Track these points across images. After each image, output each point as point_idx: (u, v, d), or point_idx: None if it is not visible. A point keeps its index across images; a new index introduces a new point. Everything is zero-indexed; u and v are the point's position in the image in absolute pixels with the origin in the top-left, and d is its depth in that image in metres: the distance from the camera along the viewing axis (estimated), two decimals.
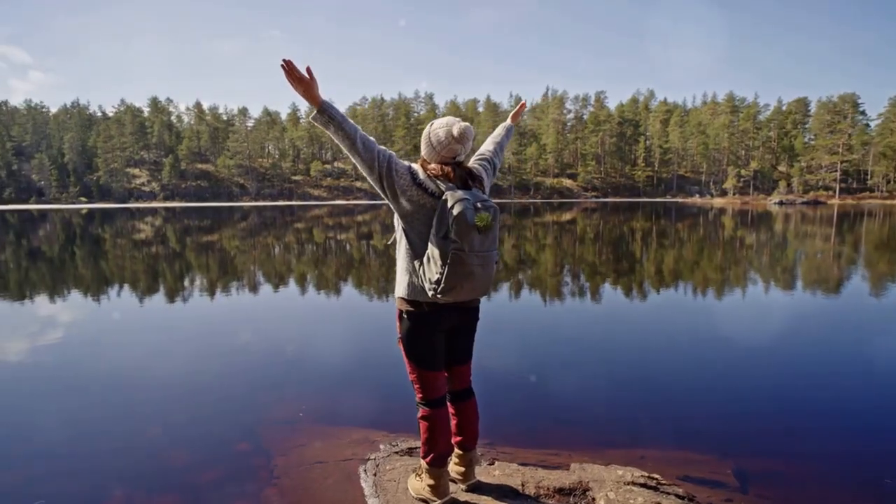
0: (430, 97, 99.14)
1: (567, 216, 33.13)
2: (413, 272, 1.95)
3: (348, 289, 8.26)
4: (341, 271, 10.22)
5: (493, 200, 1.94)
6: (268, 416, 3.27)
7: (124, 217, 38.68)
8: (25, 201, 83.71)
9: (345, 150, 1.90)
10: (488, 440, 2.82)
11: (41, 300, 7.71)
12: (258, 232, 22.09)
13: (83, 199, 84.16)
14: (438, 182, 1.90)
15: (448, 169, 1.92)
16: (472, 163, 2.21)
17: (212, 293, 8.07)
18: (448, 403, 2.17)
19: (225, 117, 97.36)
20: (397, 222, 2.03)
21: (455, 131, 1.92)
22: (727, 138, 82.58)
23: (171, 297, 7.80)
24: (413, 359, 2.04)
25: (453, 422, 2.20)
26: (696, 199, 73.01)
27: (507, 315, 6.27)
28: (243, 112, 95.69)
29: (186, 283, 9.28)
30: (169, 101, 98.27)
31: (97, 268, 11.63)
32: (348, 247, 15.60)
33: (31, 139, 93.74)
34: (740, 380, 3.97)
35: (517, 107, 2.61)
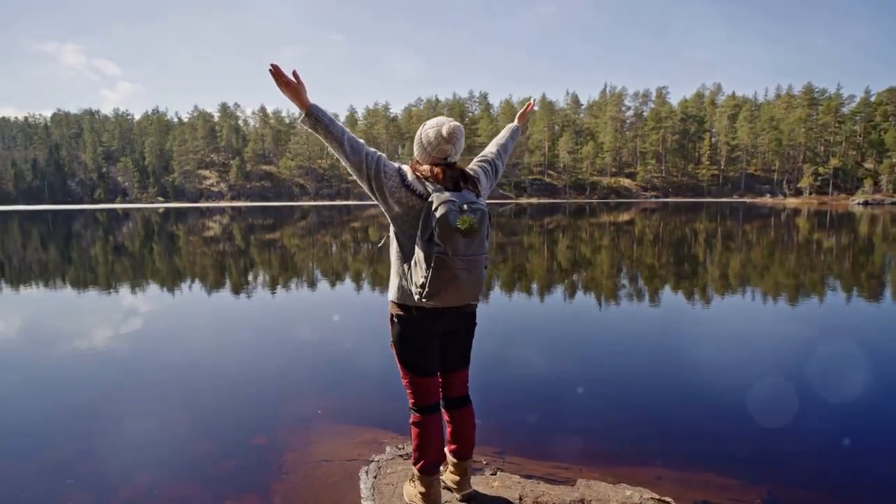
0: (484, 97, 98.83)
1: (624, 216, 32.03)
2: (403, 275, 1.93)
3: None
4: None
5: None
6: (288, 412, 3.39)
7: (195, 215, 41.35)
8: (112, 201, 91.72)
9: (334, 153, 1.88)
10: (498, 448, 2.79)
11: (114, 292, 8.40)
12: (316, 230, 22.94)
13: (160, 198, 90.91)
14: (427, 184, 1.86)
15: (437, 170, 1.88)
16: (472, 164, 2.16)
17: (270, 288, 8.48)
18: (443, 410, 2.13)
19: (287, 120, 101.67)
20: (389, 224, 2.00)
21: (444, 131, 1.88)
22: (804, 133, 76.65)
23: (234, 290, 8.27)
24: (404, 363, 2.01)
25: (448, 429, 2.15)
26: (767, 200, 68.43)
27: (541, 318, 6.18)
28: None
29: (245, 278, 9.80)
30: (236, 105, 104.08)
31: (170, 262, 12.53)
32: None
33: (118, 144, 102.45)
34: (793, 402, 3.47)
35: (524, 106, 2.49)
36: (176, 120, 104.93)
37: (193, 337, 5.57)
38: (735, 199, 74.62)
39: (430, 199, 1.79)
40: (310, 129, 1.85)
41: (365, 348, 4.92)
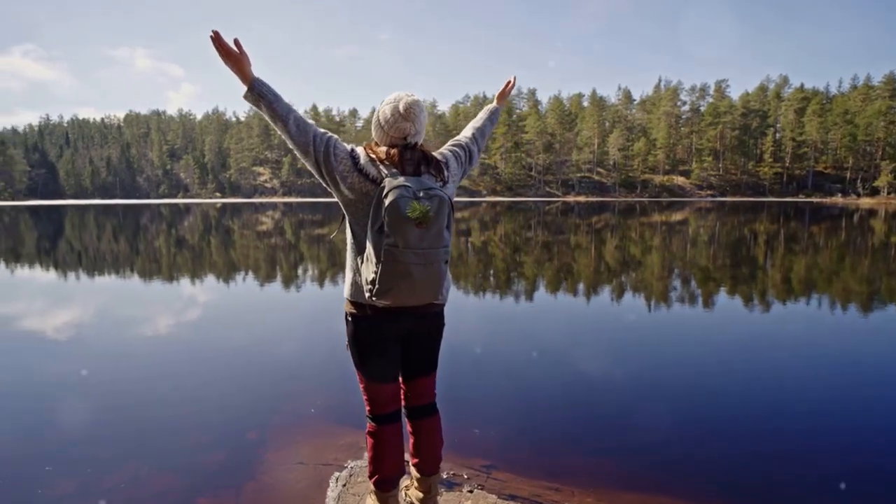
0: (532, 93, 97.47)
1: (677, 216, 30.75)
2: (356, 270, 1.75)
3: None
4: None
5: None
6: (285, 408, 3.37)
7: (249, 210, 43.19)
8: (174, 196, 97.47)
9: (278, 132, 1.71)
10: (488, 461, 2.61)
11: (163, 282, 8.89)
12: None
13: (218, 194, 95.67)
14: (381, 167, 1.67)
15: (393, 151, 1.69)
16: (444, 148, 1.94)
17: (317, 282, 8.72)
18: (406, 420, 1.97)
19: (337, 118, 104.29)
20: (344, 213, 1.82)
21: (402, 107, 1.69)
22: (883, 128, 70.63)
23: (277, 284, 8.56)
24: (359, 368, 1.85)
25: (410, 441, 1.97)
26: (838, 199, 63.80)
27: (578, 320, 6.00)
28: (353, 113, 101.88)
29: (292, 272, 10.12)
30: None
31: (222, 256, 13.14)
32: None
33: (181, 143, 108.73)
34: (841, 433, 2.99)
35: (504, 85, 2.23)
36: (234, 119, 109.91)
37: (221, 327, 5.80)
38: (801, 198, 70.04)
39: (381, 185, 1.61)
40: (252, 106, 1.70)
41: None
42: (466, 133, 2.07)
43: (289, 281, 8.87)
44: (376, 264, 1.59)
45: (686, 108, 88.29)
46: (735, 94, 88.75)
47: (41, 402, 3.58)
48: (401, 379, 1.95)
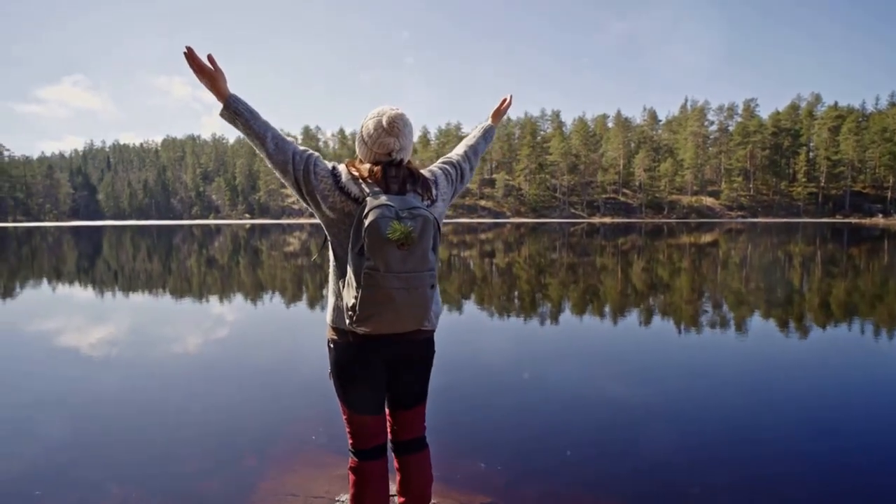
0: (556, 114, 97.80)
1: (707, 237, 30.04)
2: (338, 295, 1.64)
3: (469, 306, 8.38)
4: (464, 288, 10.44)
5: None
6: (288, 433, 3.28)
7: (277, 231, 44.16)
8: (206, 217, 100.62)
9: (256, 150, 1.65)
10: (491, 499, 2.43)
11: (197, 301, 9.08)
12: None
13: (247, 215, 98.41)
14: (363, 185, 1.59)
15: (377, 169, 1.60)
16: (434, 166, 1.85)
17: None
18: (394, 455, 1.84)
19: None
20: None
21: (385, 121, 1.61)
22: None
23: (310, 304, 8.65)
24: (341, 398, 1.74)
25: (397, 478, 1.84)
26: (879, 220, 61.37)
27: (589, 345, 5.85)
28: None
29: (319, 293, 10.22)
30: (318, 128, 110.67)
31: (250, 275, 13.40)
32: (471, 264, 15.91)
33: (213, 165, 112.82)
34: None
35: (499, 103, 2.14)
36: None
37: (238, 347, 5.84)
38: (839, 219, 67.65)
39: (363, 204, 1.52)
40: (230, 124, 1.63)
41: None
42: (458, 151, 1.97)
43: (313, 302, 8.96)
44: (356, 289, 1.49)
45: (714, 127, 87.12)
46: (764, 113, 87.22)
47: (41, 417, 3.62)
48: (387, 411, 1.83)
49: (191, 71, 1.58)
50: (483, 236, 33.36)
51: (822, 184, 77.40)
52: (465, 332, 6.53)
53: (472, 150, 2.00)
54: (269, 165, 1.63)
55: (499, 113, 2.14)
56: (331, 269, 1.71)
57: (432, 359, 1.81)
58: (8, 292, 10.51)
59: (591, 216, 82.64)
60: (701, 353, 5.39)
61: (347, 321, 1.55)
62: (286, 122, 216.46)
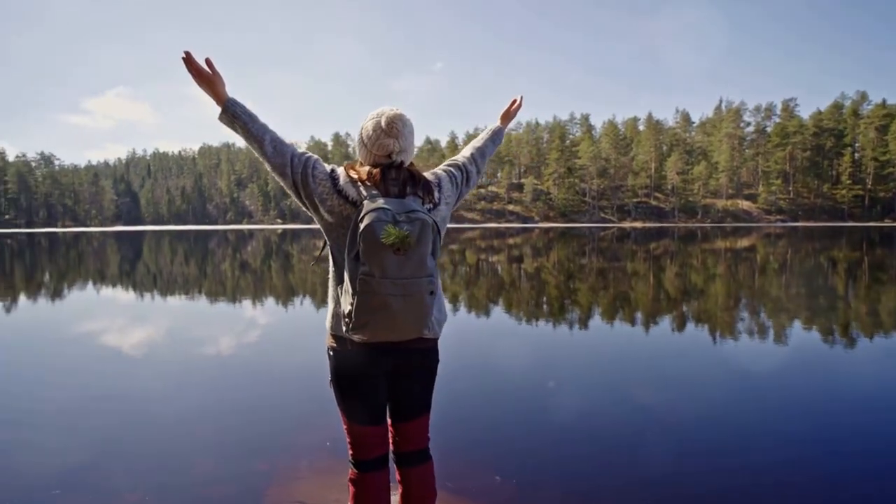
0: (585, 118, 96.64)
1: (743, 242, 29.04)
2: (337, 301, 1.60)
3: (497, 312, 8.34)
4: (492, 293, 10.39)
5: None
6: (301, 441, 3.22)
7: (308, 236, 45.00)
8: (240, 222, 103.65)
9: (256, 154, 1.62)
10: None
11: (231, 303, 9.32)
12: None
13: (279, 220, 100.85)
14: (361, 188, 1.55)
15: (375, 171, 1.56)
16: (439, 168, 1.81)
17: None
18: (395, 468, 1.78)
19: None
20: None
21: (384, 121, 1.57)
22: None
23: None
24: (341, 407, 1.70)
25: (398, 491, 1.78)
26: None
27: (618, 352, 5.70)
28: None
29: None
30: (347, 135, 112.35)
31: (283, 279, 13.67)
32: (499, 269, 15.83)
33: (247, 172, 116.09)
34: None
35: (509, 104, 2.08)
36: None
37: (262, 349, 5.93)
38: (887, 223, 64.34)
39: (359, 207, 1.49)
40: (228, 128, 1.61)
41: (449, 376, 4.89)
42: (465, 153, 1.92)
43: None
44: (352, 295, 1.45)
45: (751, 128, 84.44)
46: (805, 112, 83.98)
47: (60, 419, 3.72)
48: (389, 422, 1.78)
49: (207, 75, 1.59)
50: (511, 241, 33.16)
51: (869, 186, 73.87)
52: (489, 338, 6.50)
53: (479, 153, 1.94)
54: (268, 169, 1.61)
55: (508, 114, 2.08)
56: (330, 275, 1.67)
57: (436, 368, 1.75)
58: (57, 293, 11.05)
59: (622, 221, 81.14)
60: (735, 363, 5.20)
61: (344, 328, 1.52)
62: (316, 128, 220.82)
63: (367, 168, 1.59)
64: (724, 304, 8.75)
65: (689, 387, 4.47)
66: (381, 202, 1.46)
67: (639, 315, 7.84)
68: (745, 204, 79.47)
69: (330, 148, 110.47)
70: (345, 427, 1.72)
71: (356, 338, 1.51)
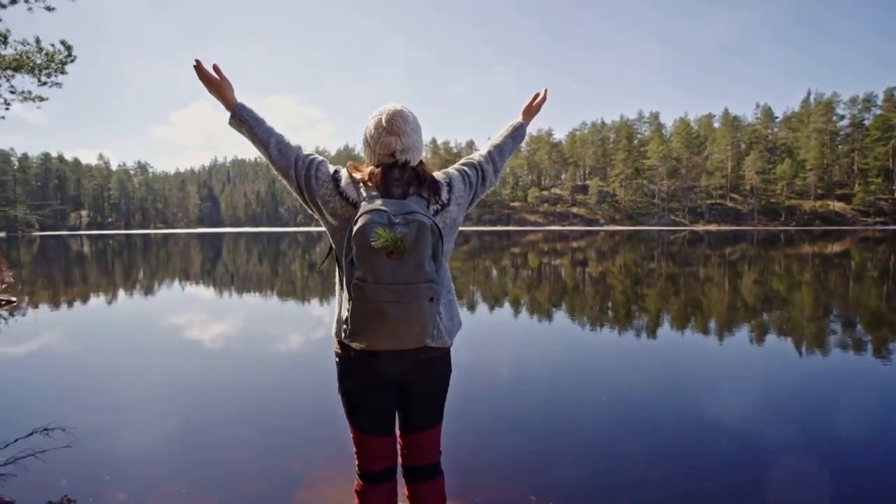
0: (655, 116, 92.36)
1: (836, 247, 26.48)
2: (341, 306, 1.57)
3: (560, 317, 8.17)
4: (553, 297, 10.19)
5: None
6: (338, 442, 3.08)
7: None
8: (309, 224, 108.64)
9: (263, 158, 1.63)
10: None
11: (301, 303, 9.73)
12: (477, 255, 23.76)
13: None
14: (362, 189, 1.50)
15: (377, 171, 1.51)
16: (452, 167, 1.72)
17: None
18: (405, 482, 1.71)
19: (455, 150, 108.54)
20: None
21: (384, 119, 1.52)
22: None
23: None
24: (346, 415, 1.65)
25: None
26: None
27: (686, 365, 5.32)
28: (470, 144, 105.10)
29: None
30: None
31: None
32: (562, 272, 15.50)
33: None
34: None
35: (531, 98, 1.93)
36: (361, 154, 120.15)
37: (313, 346, 6.12)
38: None
39: (358, 209, 1.45)
40: (237, 132, 1.63)
41: (470, 388, 4.85)
42: (482, 151, 1.81)
43: None
44: (348, 301, 1.41)
45: (844, 122, 76.90)
46: None
47: (119, 408, 3.99)
48: (398, 433, 1.71)
49: (225, 85, 1.63)
50: (575, 244, 32.34)
51: None
52: (546, 344, 6.37)
53: (498, 150, 1.81)
54: (275, 172, 1.61)
55: (530, 109, 1.94)
56: (336, 280, 1.62)
57: (447, 378, 1.68)
58: (148, 289, 12.12)
59: (694, 223, 76.73)
60: (825, 383, 4.76)
61: (343, 334, 1.48)
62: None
63: (369, 168, 1.55)
64: (811, 315, 8.03)
65: (768, 407, 4.14)
66: (377, 203, 1.40)
67: (712, 324, 7.37)
68: (837, 205, 72.49)
69: None
70: (351, 436, 1.67)
71: (355, 345, 1.48)
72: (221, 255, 27.25)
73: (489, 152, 1.80)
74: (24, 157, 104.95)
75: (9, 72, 7.06)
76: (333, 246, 1.61)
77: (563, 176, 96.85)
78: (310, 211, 1.61)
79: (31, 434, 3.33)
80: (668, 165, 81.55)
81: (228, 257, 25.08)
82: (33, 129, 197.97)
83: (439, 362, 1.62)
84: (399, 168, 1.53)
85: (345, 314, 1.44)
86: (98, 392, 4.46)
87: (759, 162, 75.18)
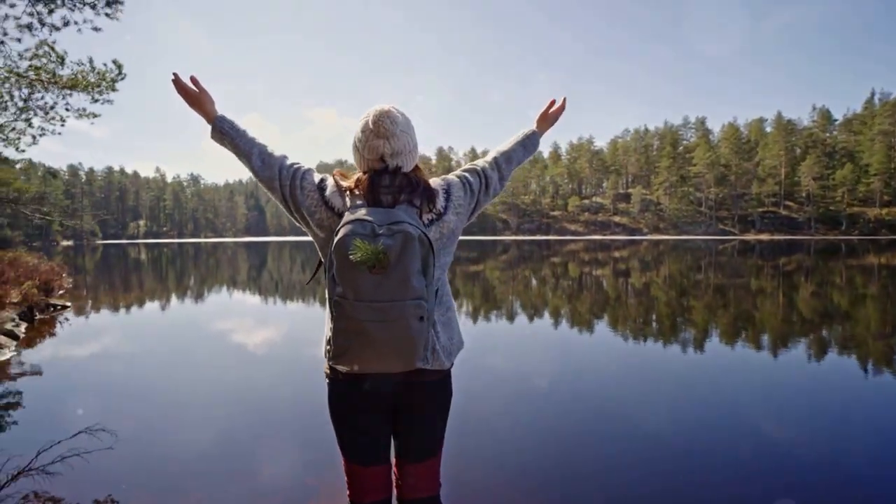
0: (701, 122, 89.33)
1: None
2: (326, 324, 1.45)
3: (602, 328, 7.97)
4: (595, 308, 9.97)
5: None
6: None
7: None
8: None
9: (247, 170, 1.53)
10: None
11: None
12: (516, 264, 23.55)
13: None
14: (347, 197, 1.40)
15: (363, 178, 1.39)
16: (453, 173, 1.59)
17: (472, 320, 8.94)
18: None
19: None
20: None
21: (371, 121, 1.39)
22: None
23: None
24: (339, 443, 1.52)
25: None
26: None
27: (735, 384, 5.01)
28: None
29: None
30: (450, 148, 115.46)
31: None
32: (603, 283, 15.14)
33: None
34: None
35: (546, 105, 1.78)
36: None
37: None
38: None
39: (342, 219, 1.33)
40: (219, 145, 1.54)
41: (523, 395, 4.75)
42: (488, 157, 1.68)
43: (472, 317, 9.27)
44: (331, 319, 1.31)
45: None
46: None
47: (159, 413, 4.09)
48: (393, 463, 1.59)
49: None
50: (617, 254, 31.54)
51: None
52: (581, 358, 6.22)
53: (505, 158, 1.67)
54: (259, 183, 1.52)
55: (546, 117, 1.79)
56: (327, 295, 1.45)
57: (446, 405, 1.53)
58: (199, 295, 12.68)
59: (744, 232, 73.39)
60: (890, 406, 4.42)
61: (327, 357, 1.40)
62: (421, 143, 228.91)
63: (357, 175, 1.44)
64: (878, 331, 7.49)
65: (826, 433, 3.88)
66: (361, 213, 1.29)
67: (766, 338, 7.00)
68: None
69: (434, 162, 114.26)
70: (342, 463, 1.54)
71: (340, 367, 1.36)
72: (266, 263, 28.21)
73: (495, 159, 1.67)
74: (91, 170, 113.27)
75: (66, 90, 7.54)
76: (322, 260, 1.50)
77: (604, 184, 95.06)
78: (298, 224, 1.52)
79: (76, 434, 3.48)
80: (716, 172, 78.56)
81: (273, 265, 25.93)
82: (97, 143, 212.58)
83: (437, 387, 1.48)
84: (389, 174, 1.41)
85: (328, 333, 1.35)
86: (140, 397, 4.61)
87: (816, 167, 71.35)
